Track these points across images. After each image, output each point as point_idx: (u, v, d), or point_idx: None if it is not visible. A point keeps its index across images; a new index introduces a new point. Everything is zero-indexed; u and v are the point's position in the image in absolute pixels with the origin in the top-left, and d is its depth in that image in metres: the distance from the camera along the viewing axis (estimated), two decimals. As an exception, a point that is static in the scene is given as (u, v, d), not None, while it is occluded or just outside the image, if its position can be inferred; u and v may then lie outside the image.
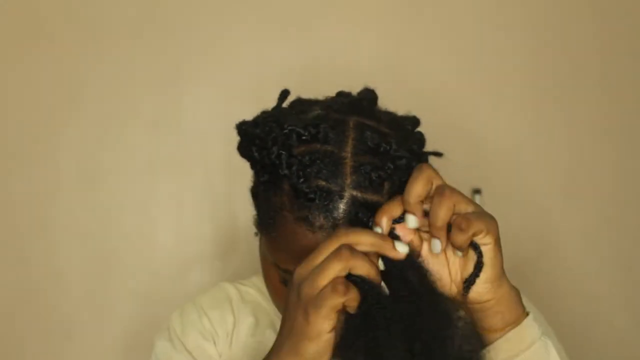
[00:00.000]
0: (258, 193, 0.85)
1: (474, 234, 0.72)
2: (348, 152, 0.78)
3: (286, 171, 0.78)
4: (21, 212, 1.65)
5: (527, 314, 0.77)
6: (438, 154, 0.88)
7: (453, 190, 0.73)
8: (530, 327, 0.76)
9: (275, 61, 1.68)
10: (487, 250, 0.74)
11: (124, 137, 1.67)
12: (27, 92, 1.66)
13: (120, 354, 1.65)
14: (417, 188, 0.71)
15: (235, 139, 0.87)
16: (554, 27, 1.74)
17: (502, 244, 0.77)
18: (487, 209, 0.77)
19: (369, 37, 1.71)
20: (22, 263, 1.65)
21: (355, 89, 0.92)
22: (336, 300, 0.68)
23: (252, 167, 0.85)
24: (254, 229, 0.89)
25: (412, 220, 0.72)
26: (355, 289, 0.69)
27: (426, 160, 0.85)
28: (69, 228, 1.65)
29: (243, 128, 0.85)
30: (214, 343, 0.96)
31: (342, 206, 0.77)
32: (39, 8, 1.65)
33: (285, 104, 0.89)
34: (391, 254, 0.72)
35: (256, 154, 0.82)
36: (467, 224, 0.71)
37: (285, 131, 0.79)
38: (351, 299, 0.69)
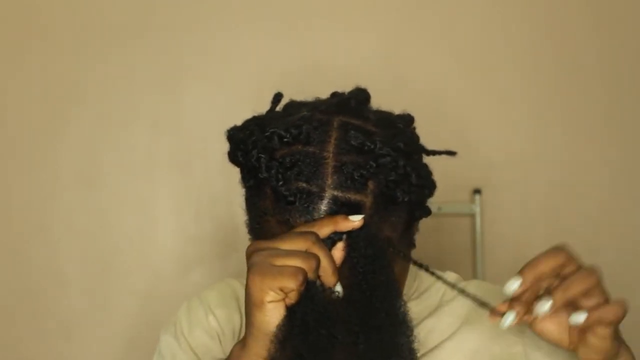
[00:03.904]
0: (246, 198, 0.84)
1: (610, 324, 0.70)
2: (330, 152, 0.76)
3: (266, 174, 0.77)
4: (21, 212, 1.65)
5: None
6: (451, 153, 0.86)
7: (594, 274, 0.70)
8: None
9: (275, 61, 1.68)
10: (604, 342, 0.71)
11: (124, 137, 1.67)
12: (27, 92, 1.66)
13: (120, 353, 1.65)
14: (543, 266, 0.70)
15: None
16: (554, 27, 1.74)
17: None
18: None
19: (368, 38, 1.71)
20: (22, 263, 1.65)
21: (355, 88, 0.91)
22: (288, 283, 0.68)
23: (240, 172, 0.84)
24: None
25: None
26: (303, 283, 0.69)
27: (420, 158, 0.83)
28: (69, 228, 1.65)
29: (230, 133, 0.84)
30: (220, 342, 0.95)
31: (322, 207, 0.75)
32: (39, 8, 1.65)
33: (280, 107, 0.88)
34: (347, 225, 0.74)
35: (241, 159, 0.81)
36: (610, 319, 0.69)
37: (267, 134, 0.78)
38: (294, 290, 0.68)
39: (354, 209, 0.75)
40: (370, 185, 0.77)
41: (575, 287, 0.68)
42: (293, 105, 0.86)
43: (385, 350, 0.70)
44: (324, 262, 0.71)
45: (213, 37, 1.68)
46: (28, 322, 1.64)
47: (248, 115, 0.87)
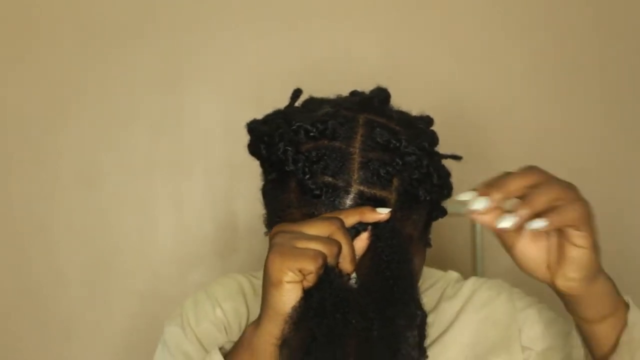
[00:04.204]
0: (266, 191, 0.85)
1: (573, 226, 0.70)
2: (356, 147, 0.77)
3: (292, 167, 0.78)
4: (21, 212, 1.65)
5: (628, 305, 0.77)
6: (457, 157, 0.88)
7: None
8: (637, 326, 0.76)
9: (275, 61, 1.68)
10: (583, 253, 0.72)
11: (124, 137, 1.67)
12: (27, 92, 1.66)
13: (120, 353, 1.65)
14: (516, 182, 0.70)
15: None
16: (554, 27, 1.74)
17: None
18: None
19: (368, 38, 1.71)
20: (22, 263, 1.65)
21: (355, 88, 0.92)
22: (308, 265, 0.68)
23: (261, 165, 0.85)
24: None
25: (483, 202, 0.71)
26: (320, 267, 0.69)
27: (438, 160, 0.84)
28: (69, 228, 1.65)
29: (252, 126, 0.85)
30: (227, 333, 0.96)
31: (348, 202, 0.76)
32: (39, 8, 1.65)
33: (298, 103, 0.89)
34: (374, 217, 0.74)
35: (264, 152, 0.81)
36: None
37: (293, 127, 0.79)
38: (313, 272, 0.68)
39: (379, 204, 0.76)
40: (395, 182, 0.78)
41: (569, 216, 0.69)
42: (313, 101, 0.87)
43: (395, 342, 0.71)
44: (345, 249, 0.71)
45: (213, 37, 1.68)
46: (28, 322, 1.64)
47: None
